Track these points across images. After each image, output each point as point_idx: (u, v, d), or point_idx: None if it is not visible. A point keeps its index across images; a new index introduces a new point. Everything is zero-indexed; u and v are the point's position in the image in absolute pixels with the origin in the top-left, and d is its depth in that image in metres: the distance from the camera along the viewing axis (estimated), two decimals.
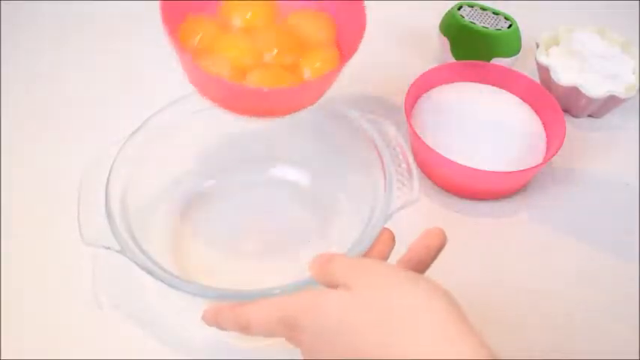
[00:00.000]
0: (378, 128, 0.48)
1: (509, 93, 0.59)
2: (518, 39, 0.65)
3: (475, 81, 0.61)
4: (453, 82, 0.61)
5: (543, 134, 0.56)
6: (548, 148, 0.55)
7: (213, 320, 0.37)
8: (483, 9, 0.66)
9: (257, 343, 0.45)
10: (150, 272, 0.39)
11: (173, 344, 0.45)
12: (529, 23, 0.67)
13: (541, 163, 0.52)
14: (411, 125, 0.54)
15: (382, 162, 0.46)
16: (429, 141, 0.53)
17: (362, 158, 0.48)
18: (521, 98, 0.59)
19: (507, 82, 0.59)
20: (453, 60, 0.67)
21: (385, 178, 0.45)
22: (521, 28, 0.64)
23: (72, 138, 0.60)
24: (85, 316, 0.46)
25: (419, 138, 0.53)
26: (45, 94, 0.65)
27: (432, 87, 0.60)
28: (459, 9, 0.65)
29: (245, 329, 0.35)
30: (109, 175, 0.44)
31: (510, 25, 0.64)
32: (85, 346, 0.45)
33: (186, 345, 0.45)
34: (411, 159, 0.46)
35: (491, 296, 0.48)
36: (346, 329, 0.31)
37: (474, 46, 0.65)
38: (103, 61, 0.69)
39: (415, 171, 0.45)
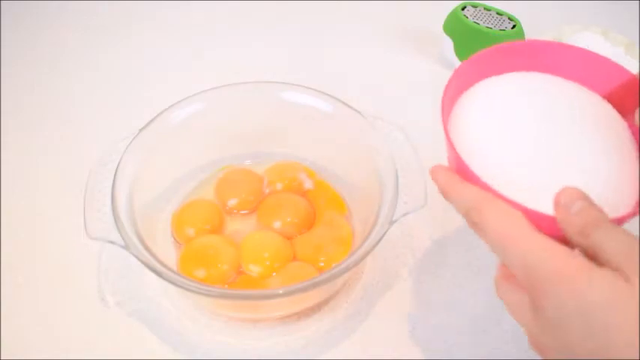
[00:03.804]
0: (385, 131, 0.48)
1: (589, 91, 0.40)
2: (522, 39, 0.65)
3: (538, 70, 0.41)
4: (503, 72, 0.41)
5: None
6: None
7: (442, 189, 0.33)
8: (487, 9, 0.65)
9: (257, 343, 0.45)
10: (153, 269, 0.40)
11: (174, 343, 0.45)
12: (533, 24, 0.67)
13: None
14: (448, 136, 0.35)
15: (390, 166, 0.45)
16: (473, 160, 0.34)
17: (369, 161, 0.48)
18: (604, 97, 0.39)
19: (589, 74, 0.40)
20: (457, 61, 0.67)
21: (392, 183, 0.44)
22: (525, 29, 0.64)
23: (78, 135, 0.60)
24: (88, 314, 0.46)
25: (459, 157, 0.34)
26: (52, 92, 0.65)
27: (476, 81, 0.40)
28: (463, 9, 0.65)
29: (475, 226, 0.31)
30: (116, 171, 0.44)
31: (514, 26, 0.64)
32: (86, 344, 0.45)
33: (186, 344, 0.45)
34: (418, 164, 0.45)
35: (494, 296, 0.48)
36: (613, 329, 0.26)
37: (478, 47, 0.64)
38: (110, 60, 0.69)
39: (423, 177, 0.44)
